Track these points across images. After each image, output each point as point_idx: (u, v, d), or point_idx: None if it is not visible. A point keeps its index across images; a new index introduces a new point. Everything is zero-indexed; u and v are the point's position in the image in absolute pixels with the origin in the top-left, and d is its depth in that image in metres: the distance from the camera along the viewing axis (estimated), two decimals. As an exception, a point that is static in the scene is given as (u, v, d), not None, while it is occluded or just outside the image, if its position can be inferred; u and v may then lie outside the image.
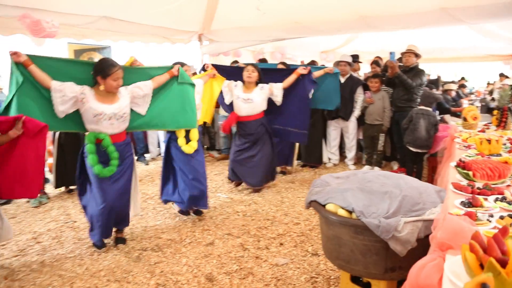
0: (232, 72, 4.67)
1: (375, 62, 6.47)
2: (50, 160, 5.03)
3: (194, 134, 3.69)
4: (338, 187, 2.33)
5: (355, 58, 6.63)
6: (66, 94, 2.89)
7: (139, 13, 5.42)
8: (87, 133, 3.06)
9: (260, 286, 2.64)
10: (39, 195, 4.65)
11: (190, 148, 3.66)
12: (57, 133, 4.77)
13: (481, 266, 1.02)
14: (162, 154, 6.78)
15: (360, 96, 5.54)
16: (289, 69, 5.00)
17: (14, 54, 2.74)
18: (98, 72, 2.97)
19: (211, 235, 3.51)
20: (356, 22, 5.32)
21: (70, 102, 2.91)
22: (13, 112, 2.76)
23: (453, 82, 8.87)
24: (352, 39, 9.22)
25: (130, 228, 3.72)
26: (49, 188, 5.01)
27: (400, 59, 5.43)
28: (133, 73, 3.29)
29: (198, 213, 3.98)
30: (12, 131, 2.65)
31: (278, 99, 4.58)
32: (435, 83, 7.13)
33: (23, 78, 2.79)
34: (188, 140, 3.68)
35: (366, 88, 5.61)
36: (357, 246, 2.07)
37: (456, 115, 6.09)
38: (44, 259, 3.14)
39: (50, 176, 5.19)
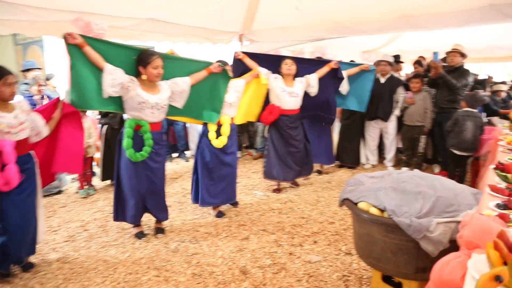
0: (264, 60, 4.61)
1: (418, 62, 6.31)
2: (97, 155, 5.34)
3: (225, 129, 3.82)
4: (372, 186, 2.34)
5: (397, 58, 6.51)
6: (116, 79, 3.06)
7: (182, 14, 5.61)
8: (127, 119, 3.23)
9: (292, 281, 2.69)
10: (86, 187, 4.98)
11: (219, 142, 3.81)
12: (104, 129, 5.07)
13: (505, 264, 1.03)
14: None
15: (401, 96, 5.44)
16: (318, 61, 5.15)
17: (69, 35, 2.90)
18: (139, 62, 3.16)
19: (247, 230, 3.60)
20: (398, 21, 5.21)
21: (117, 87, 3.08)
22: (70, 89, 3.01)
23: (503, 82, 8.44)
24: (395, 39, 8.99)
25: (170, 221, 3.89)
26: (96, 181, 5.32)
27: (444, 59, 5.28)
28: (174, 64, 3.43)
29: (234, 204, 4.20)
30: (56, 113, 2.96)
31: (314, 90, 4.66)
32: (482, 83, 6.82)
33: (75, 57, 2.96)
34: (218, 134, 3.82)
35: (407, 88, 5.50)
36: (388, 245, 2.08)
37: (505, 117, 5.82)
38: (90, 245, 3.37)
39: (97, 169, 5.50)
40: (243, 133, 6.97)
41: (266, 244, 3.29)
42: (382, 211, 2.10)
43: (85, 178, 5.05)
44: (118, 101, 3.22)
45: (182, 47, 6.72)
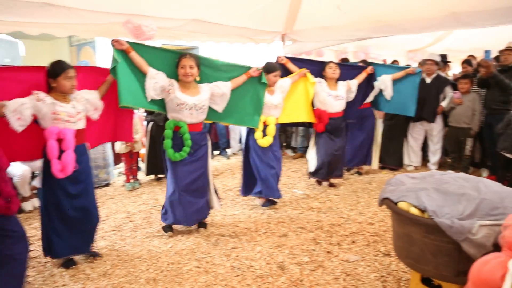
0: (307, 64, 4.67)
1: (467, 62, 6.07)
2: (143, 151, 5.58)
3: (271, 129, 3.93)
4: (413, 187, 2.31)
5: (443, 58, 6.28)
6: (158, 82, 3.20)
7: (225, 15, 5.74)
8: (167, 120, 3.36)
9: (329, 279, 2.71)
10: (132, 180, 5.23)
11: (265, 142, 3.92)
12: (150, 126, 5.29)
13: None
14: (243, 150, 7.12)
15: (449, 95, 5.25)
16: (355, 66, 5.22)
17: (116, 42, 3.06)
18: (176, 64, 3.30)
19: (285, 227, 3.65)
20: (446, 19, 5.03)
21: (159, 90, 3.23)
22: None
23: None
24: (443, 37, 8.69)
25: (210, 216, 4.00)
26: (141, 175, 5.56)
27: (496, 58, 5.04)
28: (214, 68, 3.52)
29: (272, 203, 4.23)
30: (110, 76, 3.13)
31: (352, 95, 4.81)
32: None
33: (121, 62, 3.09)
34: (264, 134, 3.94)
35: (455, 88, 5.31)
36: (427, 246, 2.05)
37: None
38: (136, 235, 3.56)
39: (142, 165, 5.76)
40: (281, 133, 7.02)
41: (304, 241, 3.32)
42: (423, 211, 2.08)
43: (131, 172, 5.31)
44: (161, 103, 3.36)
45: (225, 47, 6.87)
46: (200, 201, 3.52)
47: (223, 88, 3.50)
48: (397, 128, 5.68)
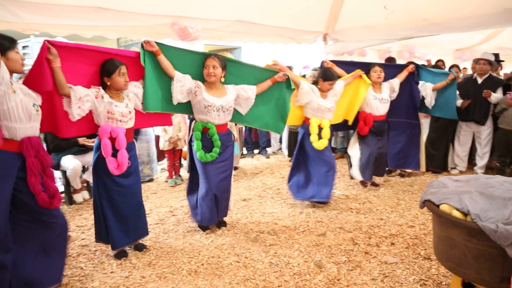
0: (352, 67, 4.67)
1: (520, 61, 5.76)
2: (185, 148, 5.77)
3: (326, 133, 4.02)
4: (456, 189, 2.27)
5: (496, 57, 6.00)
6: (185, 85, 3.27)
7: (268, 15, 5.81)
8: (195, 122, 3.44)
9: (366, 279, 2.71)
10: (174, 176, 5.43)
11: (320, 144, 4.00)
12: (193, 124, 5.46)
13: None
14: (283, 149, 7.18)
15: (500, 94, 5.03)
16: (395, 65, 5.28)
17: (147, 43, 3.10)
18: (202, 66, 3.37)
19: (324, 227, 3.66)
20: (499, 16, 4.82)
21: (185, 93, 3.31)
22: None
23: None
24: (495, 35, 8.28)
25: (250, 213, 4.11)
26: (183, 172, 5.75)
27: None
28: (241, 70, 3.57)
29: (321, 203, 4.26)
30: None
31: (395, 95, 4.79)
32: None
33: (147, 68, 3.17)
34: (319, 137, 4.03)
35: (507, 89, 5.07)
36: (469, 250, 2.01)
37: None
38: (178, 229, 3.71)
39: (184, 162, 5.95)
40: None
41: (342, 241, 3.33)
42: (466, 214, 2.04)
43: (174, 168, 5.51)
44: (186, 105, 3.44)
45: (267, 47, 6.94)
46: (225, 201, 3.63)
47: (248, 92, 3.54)
48: (442, 130, 5.51)
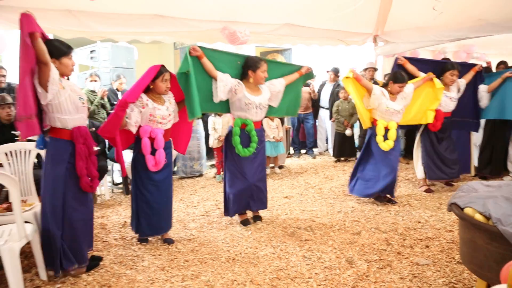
0: (425, 64, 4.72)
1: None
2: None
3: (392, 134, 4.12)
4: (483, 194, 2.31)
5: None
6: (226, 84, 3.48)
7: (317, 18, 5.95)
8: (234, 119, 3.65)
9: (395, 278, 2.79)
10: (222, 173, 5.70)
11: (386, 145, 4.13)
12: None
13: None
14: (329, 150, 7.25)
15: None
16: (463, 63, 5.10)
17: (193, 49, 3.33)
18: (249, 67, 3.55)
19: (360, 226, 3.76)
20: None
21: (227, 91, 3.52)
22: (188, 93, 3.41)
23: None
24: None
25: (290, 209, 4.30)
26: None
27: None
28: (273, 68, 3.76)
29: (391, 201, 4.36)
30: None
31: (459, 95, 4.80)
32: None
33: (193, 68, 3.36)
34: (385, 138, 4.16)
35: None
36: (491, 253, 2.06)
37: None
38: (221, 221, 3.99)
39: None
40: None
41: (376, 241, 3.41)
42: (488, 218, 2.09)
43: (222, 165, 5.82)
44: (225, 104, 3.65)
45: (316, 49, 7.06)
46: (262, 191, 3.84)
47: (278, 86, 3.74)
48: (498, 132, 5.28)
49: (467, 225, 2.19)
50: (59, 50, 2.63)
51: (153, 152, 3.20)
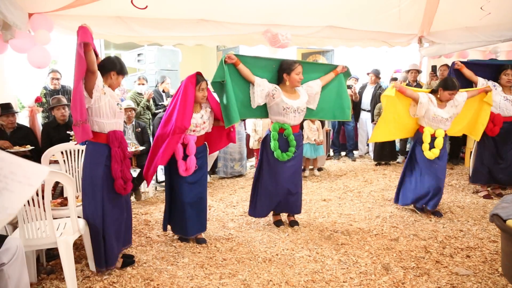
0: (481, 68, 4.58)
1: None
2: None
3: (439, 142, 3.95)
4: (528, 206, 2.24)
5: None
6: (264, 89, 3.52)
7: (360, 20, 5.90)
8: (272, 123, 3.67)
9: (432, 287, 2.75)
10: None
11: (431, 154, 3.97)
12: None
13: None
14: (370, 153, 7.14)
15: None
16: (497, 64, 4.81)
17: (228, 58, 3.39)
18: (283, 70, 3.55)
19: (398, 232, 3.72)
20: None
21: (264, 96, 3.55)
22: (224, 100, 3.47)
23: None
24: None
25: (327, 212, 4.31)
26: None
27: None
28: (308, 69, 3.72)
29: (437, 214, 4.15)
30: None
31: None
32: None
33: (230, 75, 3.39)
34: (432, 146, 3.99)
35: None
36: (533, 267, 2.00)
37: None
38: (259, 221, 4.07)
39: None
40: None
41: (414, 248, 3.37)
42: (531, 231, 2.03)
43: (262, 166, 5.92)
44: (263, 108, 3.67)
45: (358, 51, 6.99)
46: (296, 196, 3.82)
47: (315, 88, 3.72)
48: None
49: (509, 237, 2.14)
50: (122, 69, 2.89)
51: (185, 157, 3.30)
